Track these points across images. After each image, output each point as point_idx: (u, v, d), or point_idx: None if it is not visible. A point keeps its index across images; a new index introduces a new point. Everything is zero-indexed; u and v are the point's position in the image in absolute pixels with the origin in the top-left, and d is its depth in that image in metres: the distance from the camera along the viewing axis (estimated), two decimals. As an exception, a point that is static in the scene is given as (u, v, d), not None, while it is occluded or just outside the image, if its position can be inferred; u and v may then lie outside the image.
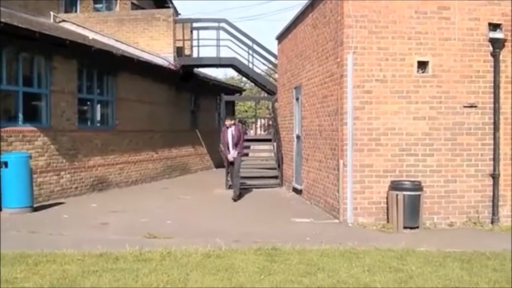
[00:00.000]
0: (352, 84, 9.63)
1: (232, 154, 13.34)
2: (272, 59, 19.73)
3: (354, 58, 9.64)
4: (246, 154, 18.27)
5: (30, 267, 6.46)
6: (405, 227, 9.17)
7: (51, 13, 17.62)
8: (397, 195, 9.20)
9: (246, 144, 18.86)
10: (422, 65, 9.79)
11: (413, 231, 9.15)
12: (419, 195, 9.31)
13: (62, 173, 12.92)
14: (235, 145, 13.25)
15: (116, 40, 17.80)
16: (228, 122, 13.40)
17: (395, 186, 9.36)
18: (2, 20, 10.85)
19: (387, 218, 9.49)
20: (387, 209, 9.50)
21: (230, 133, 13.22)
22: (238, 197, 13.07)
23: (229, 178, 15.61)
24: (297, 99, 13.69)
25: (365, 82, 9.69)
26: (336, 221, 9.86)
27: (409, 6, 9.72)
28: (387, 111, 9.71)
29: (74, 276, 6.08)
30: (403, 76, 9.75)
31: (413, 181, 9.44)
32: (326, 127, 10.85)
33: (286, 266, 6.50)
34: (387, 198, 9.51)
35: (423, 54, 9.76)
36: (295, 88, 13.82)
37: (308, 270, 6.35)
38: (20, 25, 11.43)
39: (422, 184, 9.47)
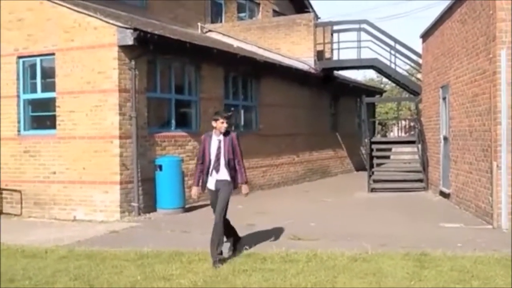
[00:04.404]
0: (507, 81, 9.05)
1: (211, 186, 7.56)
2: (415, 58, 19.09)
3: (508, 53, 9.05)
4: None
5: (184, 265, 6.83)
6: None
7: (199, 24, 18.63)
8: (559, 200, 8.48)
9: (386, 146, 18.20)
10: None
11: None
12: None
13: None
14: (225, 164, 7.27)
15: (259, 47, 18.32)
16: (218, 124, 7.20)
17: (557, 190, 8.63)
18: (156, 32, 11.63)
19: (548, 225, 8.79)
20: (548, 215, 8.80)
21: (215, 145, 7.24)
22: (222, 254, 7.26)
23: (371, 181, 15.36)
24: (444, 98, 13.11)
25: (521, 79, 9.07)
26: (489, 226, 9.30)
27: None
28: (546, 109, 9.00)
29: (226, 275, 6.34)
30: None
31: None
32: (477, 128, 10.28)
33: (437, 273, 6.25)
34: (547, 203, 8.81)
35: None
36: (442, 87, 13.24)
37: (461, 277, 6.05)
38: (172, 37, 12.19)
39: None
